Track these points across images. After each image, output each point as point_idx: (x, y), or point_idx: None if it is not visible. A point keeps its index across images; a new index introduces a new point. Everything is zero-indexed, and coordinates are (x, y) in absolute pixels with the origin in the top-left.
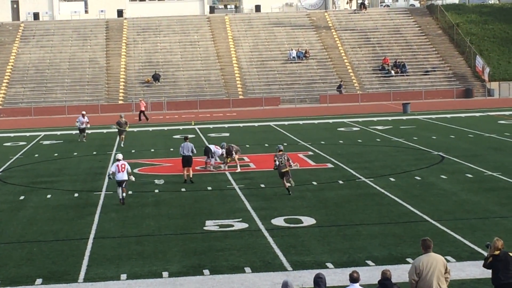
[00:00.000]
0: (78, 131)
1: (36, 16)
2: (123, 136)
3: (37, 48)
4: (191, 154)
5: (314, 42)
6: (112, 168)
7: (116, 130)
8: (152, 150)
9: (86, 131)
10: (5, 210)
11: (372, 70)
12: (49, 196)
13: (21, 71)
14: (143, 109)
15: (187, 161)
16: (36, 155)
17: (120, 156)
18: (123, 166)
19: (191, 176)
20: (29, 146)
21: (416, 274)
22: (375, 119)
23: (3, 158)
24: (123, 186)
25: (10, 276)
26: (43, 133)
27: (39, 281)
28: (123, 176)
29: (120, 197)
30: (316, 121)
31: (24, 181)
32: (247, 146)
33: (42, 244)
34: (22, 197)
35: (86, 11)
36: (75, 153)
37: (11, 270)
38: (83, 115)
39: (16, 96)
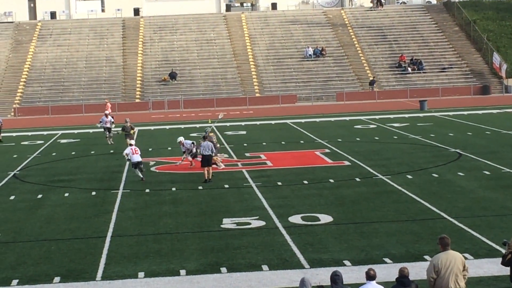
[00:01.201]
0: (104, 131)
1: (53, 15)
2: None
3: (54, 47)
4: (211, 153)
5: (330, 39)
6: (126, 151)
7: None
8: (169, 148)
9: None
10: (23, 209)
11: (389, 67)
12: (66, 194)
13: (38, 70)
14: (109, 111)
15: (207, 161)
16: (54, 154)
17: (132, 141)
18: (136, 149)
19: (211, 175)
20: (46, 145)
21: (434, 272)
22: (392, 116)
23: (20, 157)
24: (141, 166)
25: (28, 274)
26: (60, 132)
27: (57, 279)
28: (138, 158)
29: (140, 175)
30: (332, 119)
31: (42, 179)
32: (264, 144)
33: (60, 242)
34: (40, 196)
35: (103, 10)
36: (92, 152)
37: (30, 268)
38: (106, 115)
39: (34, 95)
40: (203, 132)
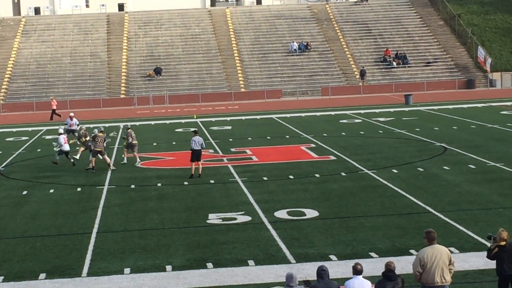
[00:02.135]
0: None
1: (37, 10)
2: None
3: (38, 43)
4: (200, 148)
5: (315, 34)
6: (60, 140)
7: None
8: (155, 144)
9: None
10: (8, 205)
11: (374, 62)
12: (52, 190)
13: (22, 66)
14: (54, 107)
15: (196, 155)
16: (39, 150)
17: (61, 130)
18: (66, 139)
19: (200, 171)
20: (31, 141)
21: (420, 266)
22: (377, 110)
23: (5, 153)
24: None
25: (14, 271)
26: (45, 128)
27: (42, 275)
28: (67, 147)
29: (72, 160)
30: (318, 113)
31: (27, 176)
32: (249, 139)
33: (46, 239)
34: (25, 192)
35: (87, 5)
36: (77, 148)
37: (15, 265)
38: (71, 117)
39: (18, 91)
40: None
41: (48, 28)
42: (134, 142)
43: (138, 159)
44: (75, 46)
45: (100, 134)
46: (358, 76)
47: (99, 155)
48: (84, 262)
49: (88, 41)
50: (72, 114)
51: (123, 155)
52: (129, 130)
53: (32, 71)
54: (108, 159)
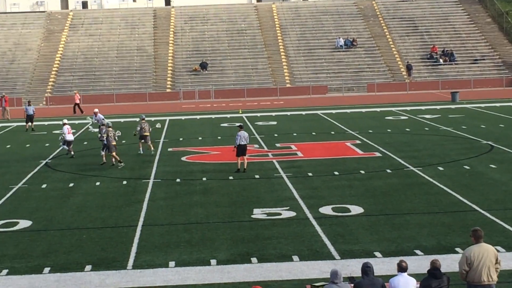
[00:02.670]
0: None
1: (84, 4)
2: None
3: (85, 37)
4: (246, 143)
5: (361, 30)
6: (64, 130)
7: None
8: (200, 138)
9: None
10: (55, 197)
11: (420, 59)
12: (98, 183)
13: (70, 59)
14: (77, 101)
15: (242, 150)
16: (85, 143)
17: (65, 121)
18: (70, 129)
19: (245, 165)
20: (77, 134)
21: (467, 265)
22: (423, 108)
23: (52, 146)
24: (71, 145)
25: (60, 263)
26: (91, 121)
27: (88, 267)
28: (71, 137)
29: (72, 153)
30: (363, 110)
31: (73, 168)
32: (294, 134)
33: (92, 231)
34: (71, 184)
35: (134, 0)
36: (124, 141)
37: (61, 256)
38: (95, 113)
39: (65, 84)
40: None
41: (95, 22)
42: (144, 134)
43: (152, 149)
44: (122, 40)
45: (110, 129)
46: (403, 69)
47: (107, 150)
48: (130, 255)
49: (135, 35)
50: (96, 110)
51: (138, 146)
52: (142, 120)
53: (79, 64)
54: (117, 157)
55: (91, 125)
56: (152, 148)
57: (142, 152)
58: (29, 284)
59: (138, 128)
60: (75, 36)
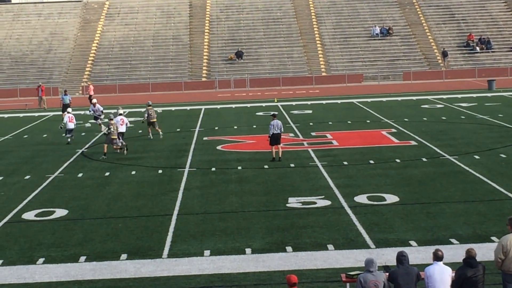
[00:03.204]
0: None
1: None
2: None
3: (121, 26)
4: (280, 132)
5: (397, 18)
6: (64, 119)
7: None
8: (235, 127)
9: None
10: (91, 186)
11: (457, 47)
12: (133, 172)
13: (106, 48)
14: (92, 93)
15: (276, 139)
16: (162, 134)
17: (70, 109)
18: (72, 118)
19: (280, 154)
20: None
21: (502, 253)
22: (459, 96)
23: (88, 135)
24: (72, 133)
25: (96, 251)
26: (127, 110)
27: (124, 256)
28: (72, 125)
29: (69, 140)
30: (399, 98)
31: (109, 157)
32: (330, 123)
33: (127, 220)
34: (107, 174)
35: None
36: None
37: (97, 245)
38: (94, 104)
39: (101, 74)
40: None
41: (131, 12)
42: (152, 120)
43: (161, 132)
44: (158, 29)
45: (112, 121)
46: (439, 58)
47: (111, 143)
48: (165, 244)
49: (171, 24)
50: (95, 101)
51: (148, 131)
52: (149, 107)
53: (115, 53)
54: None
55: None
56: (161, 132)
57: (151, 138)
58: (65, 273)
59: (146, 115)
60: (111, 25)
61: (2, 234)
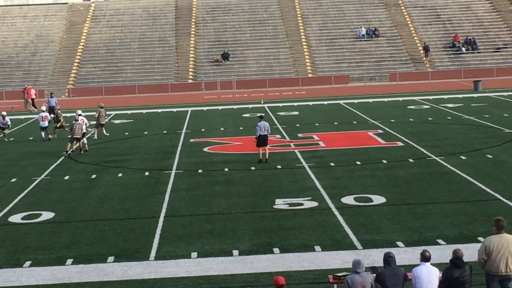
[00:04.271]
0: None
1: None
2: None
3: (107, 28)
4: (267, 133)
5: (383, 19)
6: (38, 117)
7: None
8: (222, 129)
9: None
10: (78, 189)
11: (443, 47)
12: (120, 174)
13: (92, 51)
14: (33, 97)
15: (263, 141)
16: (107, 134)
17: (44, 108)
18: (46, 117)
19: (267, 156)
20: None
21: (485, 254)
22: (445, 96)
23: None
24: (46, 130)
25: (83, 254)
26: (114, 113)
27: (111, 258)
28: (45, 124)
29: (49, 136)
30: (386, 99)
31: (96, 159)
32: (316, 124)
33: (114, 222)
34: (94, 176)
35: None
36: (146, 132)
37: (84, 247)
38: (3, 117)
39: (87, 76)
40: (259, 113)
41: (117, 13)
42: (102, 122)
43: (106, 134)
44: (144, 31)
45: (77, 122)
46: (422, 52)
47: (75, 142)
48: (152, 246)
49: (157, 26)
50: (4, 113)
51: (93, 132)
52: (101, 109)
53: (101, 56)
54: (81, 145)
55: None
56: (106, 134)
57: (96, 138)
58: (52, 276)
59: (96, 115)
60: (97, 27)
61: None
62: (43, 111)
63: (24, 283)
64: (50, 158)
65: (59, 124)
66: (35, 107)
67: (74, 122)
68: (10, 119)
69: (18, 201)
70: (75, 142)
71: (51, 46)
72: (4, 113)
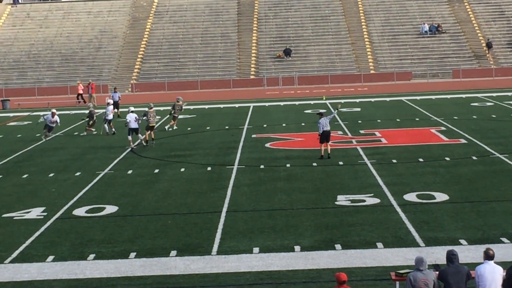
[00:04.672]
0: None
1: None
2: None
3: (170, 24)
4: (329, 129)
5: (446, 15)
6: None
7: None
8: (284, 124)
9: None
10: (141, 183)
11: (507, 44)
12: (182, 169)
13: (155, 46)
14: (81, 92)
15: (326, 137)
16: (170, 129)
17: (132, 108)
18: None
19: (329, 151)
20: (162, 120)
21: None
22: (509, 94)
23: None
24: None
25: (145, 248)
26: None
27: (173, 252)
28: (136, 125)
29: (142, 141)
30: (448, 96)
31: (159, 154)
32: (378, 121)
33: (176, 217)
34: (156, 171)
35: None
36: (208, 127)
37: (147, 241)
38: (52, 114)
39: (150, 71)
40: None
41: (180, 9)
42: (151, 125)
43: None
44: (206, 27)
45: (151, 110)
46: (485, 48)
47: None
48: (214, 241)
49: (219, 22)
50: (54, 110)
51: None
52: (151, 109)
53: (164, 51)
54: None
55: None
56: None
57: (145, 144)
58: (116, 269)
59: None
60: (160, 23)
61: (53, 230)
62: (109, 104)
63: (88, 276)
64: (113, 152)
65: (92, 121)
66: (84, 101)
67: (148, 110)
68: (76, 113)
69: (82, 195)
70: (149, 131)
71: (114, 42)
72: (54, 110)
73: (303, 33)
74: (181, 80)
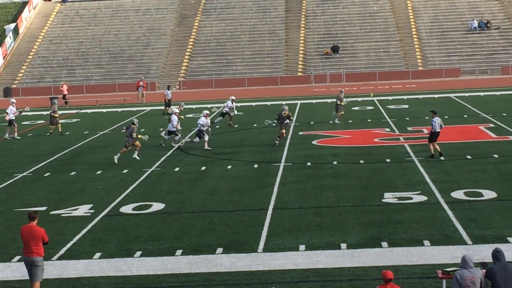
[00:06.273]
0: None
1: None
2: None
3: (218, 21)
4: (440, 129)
5: (496, 11)
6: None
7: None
8: (331, 122)
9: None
10: (187, 180)
11: None
12: (229, 167)
13: (202, 43)
14: (65, 93)
15: (436, 137)
16: (217, 127)
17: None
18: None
19: (439, 149)
20: (210, 117)
21: None
22: None
23: (185, 129)
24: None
25: (192, 245)
26: (223, 104)
27: (219, 250)
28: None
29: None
30: (497, 93)
31: (205, 152)
32: (426, 118)
33: (223, 214)
34: (203, 168)
35: None
36: (255, 125)
37: (193, 239)
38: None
39: (198, 69)
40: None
41: (227, 7)
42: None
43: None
44: (254, 24)
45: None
46: None
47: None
48: (260, 238)
49: (267, 19)
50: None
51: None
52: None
53: (211, 48)
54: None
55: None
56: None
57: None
58: (162, 266)
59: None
60: (207, 20)
61: (100, 227)
62: (175, 113)
63: (134, 273)
64: (161, 150)
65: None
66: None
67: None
68: (124, 110)
69: (129, 192)
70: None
71: (162, 39)
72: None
73: (351, 30)
74: (228, 77)
